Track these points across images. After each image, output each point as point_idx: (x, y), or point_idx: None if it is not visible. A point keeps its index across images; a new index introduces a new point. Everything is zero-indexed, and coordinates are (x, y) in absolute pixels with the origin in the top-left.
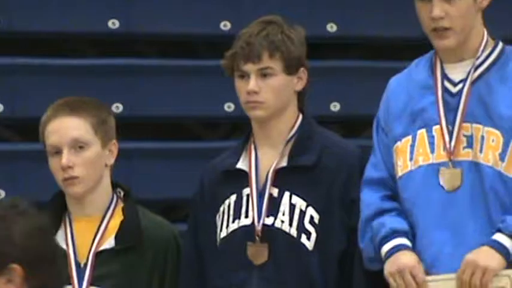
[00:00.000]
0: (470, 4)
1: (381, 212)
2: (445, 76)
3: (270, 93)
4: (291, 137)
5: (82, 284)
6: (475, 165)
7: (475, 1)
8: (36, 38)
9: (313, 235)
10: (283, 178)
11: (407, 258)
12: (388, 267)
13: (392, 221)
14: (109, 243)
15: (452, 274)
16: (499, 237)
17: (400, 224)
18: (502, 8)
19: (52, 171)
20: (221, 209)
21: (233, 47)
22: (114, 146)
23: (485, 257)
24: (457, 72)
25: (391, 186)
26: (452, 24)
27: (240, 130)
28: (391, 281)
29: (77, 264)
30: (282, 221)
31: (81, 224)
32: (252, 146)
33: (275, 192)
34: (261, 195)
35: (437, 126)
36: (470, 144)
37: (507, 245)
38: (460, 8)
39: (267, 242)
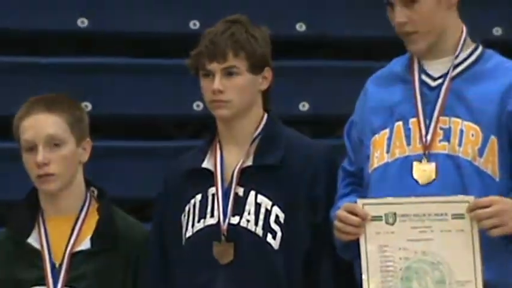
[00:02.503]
0: (432, 6)
1: (341, 197)
2: (423, 71)
3: (234, 92)
4: (256, 136)
5: (57, 285)
6: (452, 159)
7: (439, 1)
8: (5, 36)
9: (279, 234)
10: (248, 177)
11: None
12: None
13: (344, 201)
14: (85, 244)
15: (392, 198)
16: None
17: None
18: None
19: (26, 167)
20: (186, 208)
21: (198, 46)
22: (87, 144)
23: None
24: (435, 68)
25: (359, 178)
26: (416, 28)
27: (209, 129)
28: (335, 224)
29: (52, 264)
30: (248, 220)
31: (56, 223)
32: (218, 145)
33: (240, 191)
34: (226, 195)
35: (414, 119)
36: (447, 138)
37: None
38: (421, 12)
39: (232, 241)
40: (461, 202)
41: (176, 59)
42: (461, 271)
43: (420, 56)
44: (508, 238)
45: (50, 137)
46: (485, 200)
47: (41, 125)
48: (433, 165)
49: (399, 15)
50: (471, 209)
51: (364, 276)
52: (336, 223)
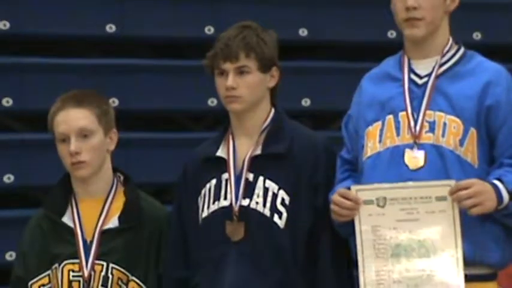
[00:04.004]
0: (440, 1)
1: (339, 182)
2: (411, 70)
3: (245, 88)
4: (265, 128)
5: (88, 259)
6: (436, 148)
7: (444, 1)
8: (43, 40)
9: (284, 215)
10: (257, 164)
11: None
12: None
13: (341, 185)
14: (113, 222)
15: (382, 184)
16: (503, 192)
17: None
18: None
19: (61, 156)
20: (202, 191)
21: (213, 48)
22: (114, 134)
23: (490, 194)
24: (422, 67)
25: (355, 166)
26: (424, 15)
27: (222, 122)
28: (332, 207)
29: (84, 241)
30: (257, 202)
31: (86, 204)
32: (230, 136)
33: (250, 177)
34: (238, 180)
35: (403, 113)
36: (432, 129)
37: (505, 202)
38: (431, 2)
39: (243, 221)
40: (443, 186)
41: (193, 60)
42: (444, 247)
43: (413, 50)
44: (485, 217)
45: (80, 129)
46: (464, 182)
47: (72, 118)
48: (422, 153)
49: (413, 0)
50: (452, 192)
51: (359, 254)
52: (332, 206)
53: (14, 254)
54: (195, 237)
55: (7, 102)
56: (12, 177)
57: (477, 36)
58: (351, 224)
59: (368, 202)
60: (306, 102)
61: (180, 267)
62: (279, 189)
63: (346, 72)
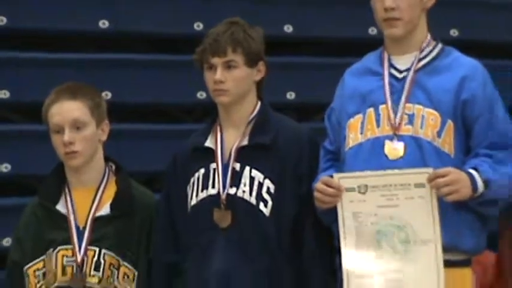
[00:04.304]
0: (417, 1)
1: (322, 171)
2: (391, 65)
3: (233, 82)
4: (251, 120)
5: (81, 245)
6: (415, 140)
7: (421, 0)
8: (40, 35)
9: (270, 203)
10: (244, 155)
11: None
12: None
13: (324, 174)
14: (105, 210)
15: (363, 172)
16: (478, 181)
17: (330, 172)
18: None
19: (55, 146)
20: (191, 180)
21: (202, 43)
22: (106, 126)
23: (466, 182)
24: (402, 62)
25: (337, 156)
26: (401, 15)
27: (210, 114)
28: (315, 195)
29: (77, 227)
30: (243, 191)
31: (79, 193)
32: (218, 128)
33: (237, 166)
34: (225, 169)
35: (384, 106)
36: (411, 122)
37: (480, 190)
38: (408, 2)
39: (230, 208)
40: (422, 173)
41: (183, 55)
42: (423, 232)
43: (393, 46)
44: (461, 205)
45: (74, 120)
46: (442, 170)
47: (66, 110)
48: (401, 144)
49: (390, 1)
50: (430, 179)
51: (341, 240)
52: (316, 194)
53: (10, 240)
54: (183, 224)
55: (4, 94)
56: (9, 167)
57: (454, 33)
58: (333, 211)
59: (350, 189)
60: (290, 95)
61: (170, 252)
62: (264, 178)
63: (329, 67)
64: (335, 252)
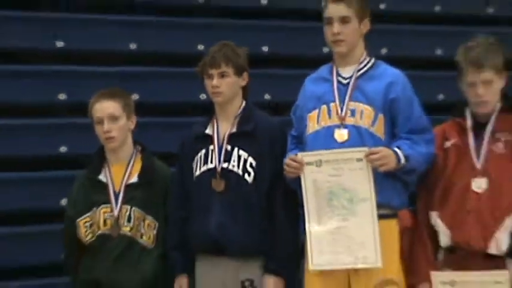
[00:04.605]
0: (356, 28)
1: (289, 150)
2: (338, 74)
3: (225, 87)
4: (238, 114)
5: (117, 204)
6: (356, 128)
7: (359, 26)
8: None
9: (252, 174)
10: (233, 139)
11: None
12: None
13: (291, 153)
14: (134, 179)
15: (319, 151)
16: (401, 156)
17: (295, 152)
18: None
19: (97, 133)
20: (195, 158)
21: (203, 59)
22: (134, 118)
23: (392, 157)
24: (346, 72)
25: (300, 140)
26: (345, 37)
27: (209, 110)
28: (284, 168)
29: (114, 191)
30: (233, 165)
31: (115, 167)
32: (215, 120)
33: (229, 147)
34: (220, 150)
35: (333, 103)
36: (353, 115)
37: (402, 163)
38: (350, 29)
39: (223, 178)
40: (361, 151)
41: (190, 68)
42: (362, 193)
43: (339, 60)
44: (389, 175)
45: (111, 114)
46: (375, 149)
47: (105, 107)
48: (346, 131)
49: (337, 28)
50: (367, 155)
51: (304, 199)
52: (285, 167)
53: (65, 201)
54: (191, 189)
55: (61, 96)
56: (65, 148)
57: (384, 51)
58: (298, 179)
59: (309, 163)
60: (267, 96)
61: (180, 209)
62: (248, 156)
63: (294, 77)
64: (298, 207)
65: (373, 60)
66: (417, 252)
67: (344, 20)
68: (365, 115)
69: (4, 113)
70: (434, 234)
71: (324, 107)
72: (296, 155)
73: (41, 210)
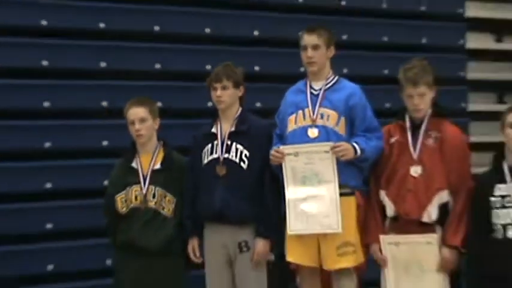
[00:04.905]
0: (324, 53)
1: (274, 145)
2: (311, 87)
3: (226, 97)
4: (236, 118)
5: (145, 184)
6: (324, 127)
7: (326, 51)
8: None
9: (246, 162)
10: (232, 136)
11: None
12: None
13: (275, 146)
14: (158, 166)
15: (296, 145)
16: (357, 149)
17: (278, 145)
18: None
19: (130, 131)
20: (204, 150)
21: (210, 76)
22: (157, 120)
23: (351, 150)
24: (317, 86)
25: (282, 137)
26: (316, 60)
27: (214, 115)
28: (270, 157)
29: (143, 175)
30: (232, 156)
31: (144, 157)
32: (218, 122)
33: (229, 142)
34: (222, 144)
35: (307, 109)
36: (322, 118)
37: (358, 154)
38: (320, 53)
39: (225, 165)
40: (327, 145)
41: (200, 83)
42: (328, 176)
43: (312, 77)
44: (349, 163)
45: (140, 117)
46: (338, 143)
47: (136, 112)
48: (316, 129)
49: (310, 53)
50: (332, 148)
51: (285, 181)
52: (270, 157)
53: (107, 182)
54: (200, 174)
55: (104, 103)
56: (106, 142)
57: (345, 70)
58: (280, 166)
59: (289, 154)
60: (258, 104)
61: (192, 190)
62: (243, 149)
63: (278, 89)
64: (281, 187)
65: (337, 77)
66: (370, 220)
67: (315, 47)
68: (331, 118)
69: (66, 115)
70: (382, 207)
71: (300, 111)
72: (279, 147)
73: (91, 188)
